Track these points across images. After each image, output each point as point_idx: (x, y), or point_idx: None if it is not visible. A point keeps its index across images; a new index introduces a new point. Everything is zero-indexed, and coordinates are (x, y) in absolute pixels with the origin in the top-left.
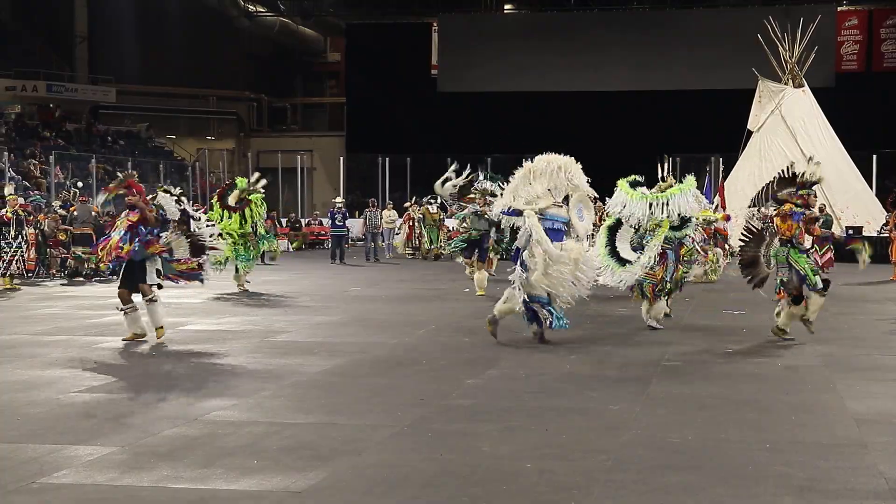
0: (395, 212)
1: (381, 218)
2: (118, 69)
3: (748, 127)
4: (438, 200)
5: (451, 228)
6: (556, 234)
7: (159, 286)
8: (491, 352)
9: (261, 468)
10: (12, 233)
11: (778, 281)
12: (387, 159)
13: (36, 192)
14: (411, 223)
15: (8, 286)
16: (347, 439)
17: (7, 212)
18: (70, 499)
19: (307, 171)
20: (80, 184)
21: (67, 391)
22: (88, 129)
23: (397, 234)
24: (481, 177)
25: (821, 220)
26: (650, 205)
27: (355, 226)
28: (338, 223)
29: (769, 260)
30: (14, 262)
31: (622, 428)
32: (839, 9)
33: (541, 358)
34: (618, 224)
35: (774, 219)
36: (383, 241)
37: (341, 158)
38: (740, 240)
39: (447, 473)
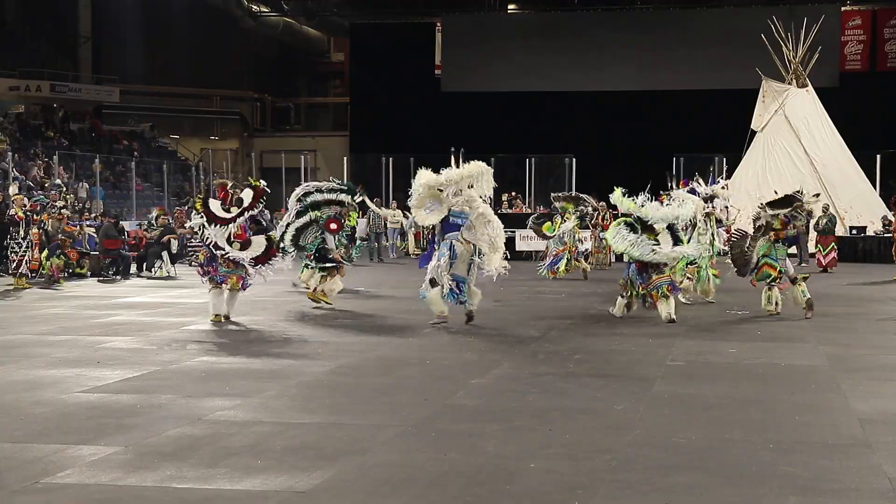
0: (399, 211)
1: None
2: (122, 69)
3: (752, 127)
4: None
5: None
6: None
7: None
8: (495, 352)
9: (265, 468)
10: (21, 232)
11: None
12: (390, 159)
13: (40, 192)
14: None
15: (22, 285)
16: (352, 439)
17: (18, 211)
18: (74, 499)
19: (311, 172)
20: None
21: (71, 391)
22: (92, 129)
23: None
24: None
25: (824, 221)
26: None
27: (359, 226)
28: None
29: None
30: (24, 261)
31: (626, 428)
32: (843, 9)
33: (544, 358)
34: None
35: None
36: (387, 241)
37: (345, 158)
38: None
39: (452, 473)
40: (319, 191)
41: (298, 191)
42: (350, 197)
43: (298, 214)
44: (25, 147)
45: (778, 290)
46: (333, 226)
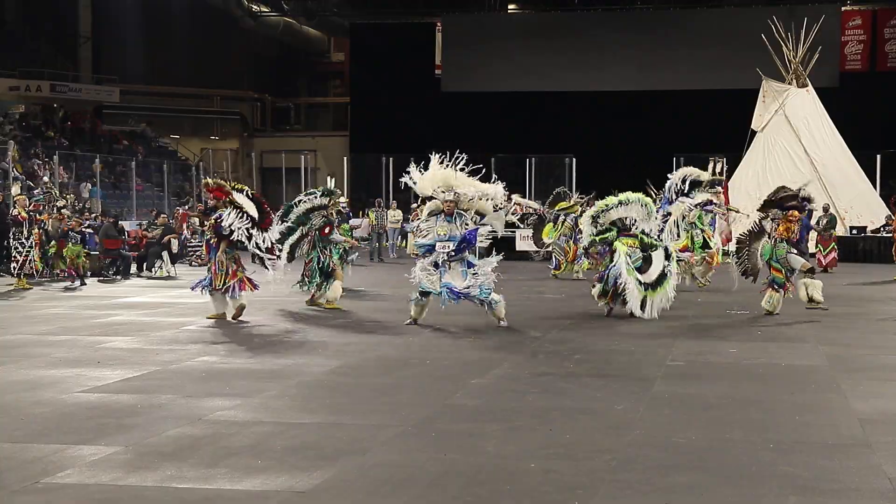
0: (399, 212)
1: (386, 218)
2: (122, 69)
3: (752, 127)
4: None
5: None
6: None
7: None
8: (495, 352)
9: (265, 468)
10: (25, 233)
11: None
12: (391, 159)
13: (39, 192)
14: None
15: (23, 286)
16: (352, 439)
17: (21, 212)
18: (74, 499)
19: (311, 172)
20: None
21: (71, 391)
22: (92, 129)
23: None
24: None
25: (825, 220)
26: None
27: (359, 226)
28: None
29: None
30: (27, 262)
31: (626, 428)
32: (843, 8)
33: (544, 358)
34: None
35: (778, 222)
36: (388, 240)
37: (345, 158)
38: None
39: (452, 473)
40: (297, 203)
41: (280, 212)
42: (327, 198)
43: (289, 231)
44: (25, 147)
45: (783, 290)
46: (326, 229)
